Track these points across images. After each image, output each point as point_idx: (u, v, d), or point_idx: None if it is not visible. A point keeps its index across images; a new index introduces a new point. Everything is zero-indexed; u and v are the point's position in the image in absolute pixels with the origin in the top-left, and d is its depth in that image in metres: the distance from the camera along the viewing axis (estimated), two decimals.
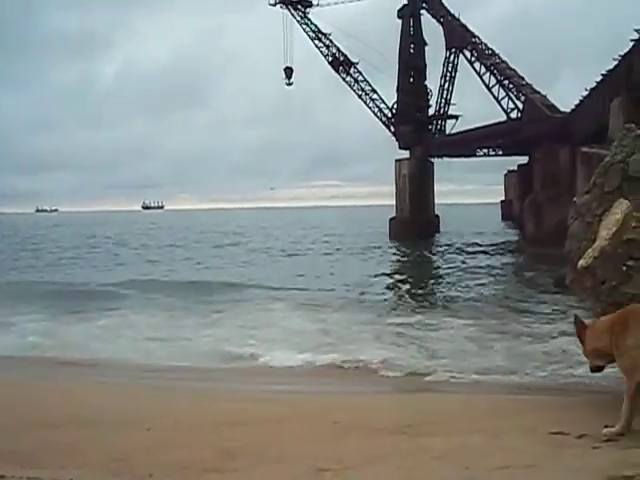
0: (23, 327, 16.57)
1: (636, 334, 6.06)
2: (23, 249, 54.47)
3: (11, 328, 16.43)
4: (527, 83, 54.37)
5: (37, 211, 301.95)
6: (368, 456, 5.82)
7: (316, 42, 65.11)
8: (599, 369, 6.57)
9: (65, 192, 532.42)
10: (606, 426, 6.17)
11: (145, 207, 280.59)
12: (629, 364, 6.09)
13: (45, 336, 15.48)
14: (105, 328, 16.77)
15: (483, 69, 56.75)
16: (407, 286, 28.11)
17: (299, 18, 65.00)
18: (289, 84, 68.00)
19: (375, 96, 64.65)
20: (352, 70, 64.52)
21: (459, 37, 58.47)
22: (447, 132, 61.90)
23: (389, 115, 63.90)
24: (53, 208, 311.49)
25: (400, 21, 62.95)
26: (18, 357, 13.72)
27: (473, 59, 57.71)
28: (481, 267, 34.28)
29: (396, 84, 62.89)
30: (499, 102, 55.84)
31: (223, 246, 56.79)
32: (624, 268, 7.46)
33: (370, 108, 64.70)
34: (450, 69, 60.14)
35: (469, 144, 57.56)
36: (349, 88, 65.20)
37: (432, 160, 60.94)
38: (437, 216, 62.49)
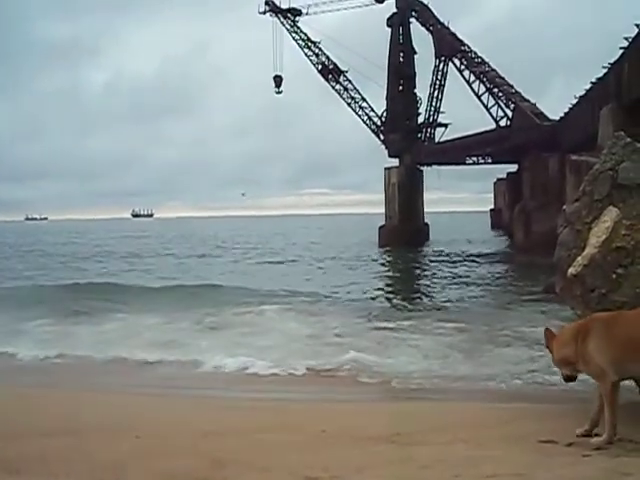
0: (32, 333, 16.71)
1: (597, 338, 6.17)
2: (17, 256, 54.25)
3: (20, 335, 16.42)
4: (516, 91, 54.63)
5: (27, 219, 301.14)
6: (356, 465, 5.78)
7: (305, 50, 65.38)
8: (571, 378, 6.55)
9: (55, 200, 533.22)
10: (596, 434, 6.17)
11: (135, 215, 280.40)
12: (597, 368, 6.16)
13: (46, 343, 15.52)
14: (101, 334, 16.73)
15: (472, 77, 57.02)
16: (395, 293, 28.24)
17: (288, 27, 65.29)
18: (279, 92, 68.37)
19: (364, 104, 64.95)
20: (341, 78, 64.75)
21: (448, 45, 58.69)
22: (436, 140, 62.17)
23: (378, 123, 64.12)
24: (43, 216, 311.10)
25: (389, 29, 63.23)
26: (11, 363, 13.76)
27: (462, 67, 57.97)
28: (470, 275, 34.37)
29: (385, 92, 63.13)
30: (488, 110, 56.10)
31: (212, 255, 56.70)
32: (614, 276, 7.47)
33: (359, 116, 64.99)
34: (439, 77, 60.42)
35: (458, 152, 57.69)
36: (338, 96, 65.56)
37: (421, 168, 61.04)
38: (427, 224, 62.58)
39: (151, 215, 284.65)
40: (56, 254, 57.14)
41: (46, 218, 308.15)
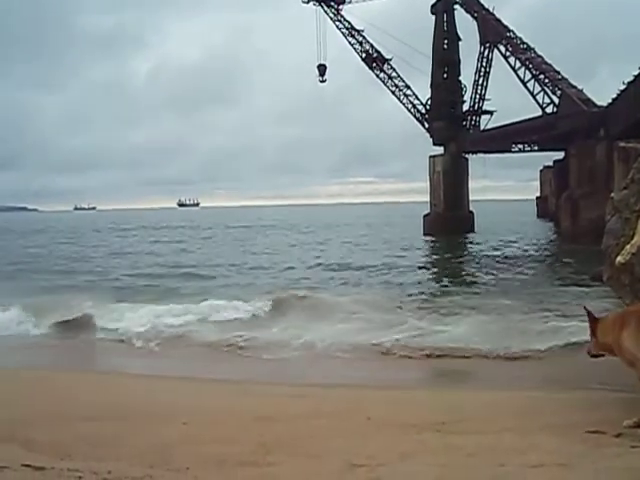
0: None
1: (630, 329, 6.27)
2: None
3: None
4: (563, 77, 53.66)
5: (76, 209, 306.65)
6: (402, 452, 5.81)
7: (349, 39, 64.99)
8: (597, 356, 6.78)
9: (103, 190, 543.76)
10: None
11: (181, 204, 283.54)
12: (630, 357, 6.26)
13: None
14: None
15: (518, 64, 56.14)
16: (442, 276, 28.72)
17: (332, 15, 64.93)
18: (322, 81, 67.95)
19: (409, 92, 64.31)
20: (385, 66, 64.26)
21: (493, 32, 57.88)
22: (482, 128, 61.38)
23: (423, 111, 63.55)
24: (91, 206, 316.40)
25: (434, 17, 62.62)
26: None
27: (508, 54, 57.10)
28: (517, 261, 34.08)
29: (430, 80, 62.53)
30: (534, 97, 55.19)
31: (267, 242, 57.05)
32: None
33: (404, 104, 64.40)
34: (484, 64, 59.61)
35: (504, 140, 56.94)
36: (383, 84, 65.00)
37: (466, 156, 60.46)
38: (472, 212, 61.95)
39: (197, 204, 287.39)
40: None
41: (94, 208, 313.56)
